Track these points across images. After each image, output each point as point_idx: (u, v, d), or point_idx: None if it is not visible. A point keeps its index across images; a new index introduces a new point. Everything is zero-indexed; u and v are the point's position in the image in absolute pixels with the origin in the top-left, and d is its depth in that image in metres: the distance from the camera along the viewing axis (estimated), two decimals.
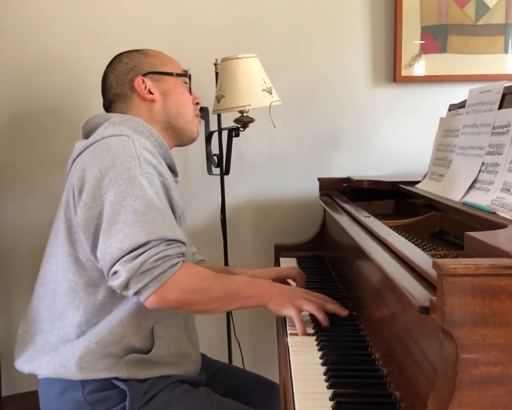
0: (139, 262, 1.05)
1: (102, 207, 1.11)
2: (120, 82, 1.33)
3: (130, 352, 1.18)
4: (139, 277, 1.06)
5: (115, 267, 1.07)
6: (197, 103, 1.42)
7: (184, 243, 1.14)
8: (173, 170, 1.32)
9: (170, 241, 1.10)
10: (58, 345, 1.19)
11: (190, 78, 1.40)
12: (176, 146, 1.41)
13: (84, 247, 1.16)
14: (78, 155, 1.22)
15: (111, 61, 1.37)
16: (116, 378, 1.17)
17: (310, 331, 1.17)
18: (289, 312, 1.17)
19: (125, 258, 1.06)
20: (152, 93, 1.32)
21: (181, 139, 1.39)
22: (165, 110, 1.33)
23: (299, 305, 1.17)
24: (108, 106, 1.36)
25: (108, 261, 1.08)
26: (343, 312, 1.20)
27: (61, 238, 1.20)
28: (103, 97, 1.38)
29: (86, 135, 1.30)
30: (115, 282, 1.08)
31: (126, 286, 1.07)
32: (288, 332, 1.18)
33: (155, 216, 1.09)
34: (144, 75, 1.32)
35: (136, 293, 1.08)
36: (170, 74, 1.35)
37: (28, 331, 1.23)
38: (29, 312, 1.25)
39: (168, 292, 1.08)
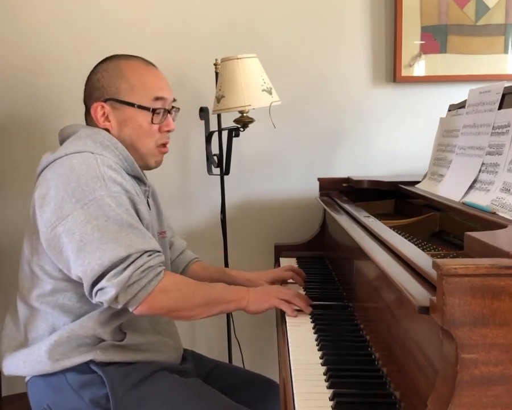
0: (126, 276, 1.09)
1: (69, 227, 1.12)
2: (89, 97, 1.32)
3: (103, 341, 1.21)
4: (127, 290, 1.10)
5: (101, 284, 1.10)
6: (168, 131, 1.33)
7: (160, 252, 1.18)
8: (141, 181, 1.32)
9: (150, 251, 1.14)
10: (31, 344, 1.22)
11: (164, 111, 1.30)
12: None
13: (51, 258, 1.18)
14: (43, 169, 1.23)
15: (95, 67, 1.34)
16: (93, 361, 1.19)
17: (307, 312, 1.28)
18: (270, 304, 1.27)
19: (111, 273, 1.09)
20: (109, 120, 1.28)
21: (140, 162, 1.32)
22: (120, 139, 1.28)
23: (273, 301, 1.28)
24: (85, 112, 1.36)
25: (89, 278, 1.10)
26: (307, 310, 1.28)
27: (29, 248, 1.24)
28: None
29: (61, 142, 1.31)
30: (103, 298, 1.11)
31: (115, 299, 1.10)
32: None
33: (129, 232, 1.13)
34: (106, 100, 1.28)
35: (126, 304, 1.12)
36: (131, 105, 1.28)
37: (11, 334, 1.28)
38: (10, 316, 1.30)
39: (155, 300, 1.13)
